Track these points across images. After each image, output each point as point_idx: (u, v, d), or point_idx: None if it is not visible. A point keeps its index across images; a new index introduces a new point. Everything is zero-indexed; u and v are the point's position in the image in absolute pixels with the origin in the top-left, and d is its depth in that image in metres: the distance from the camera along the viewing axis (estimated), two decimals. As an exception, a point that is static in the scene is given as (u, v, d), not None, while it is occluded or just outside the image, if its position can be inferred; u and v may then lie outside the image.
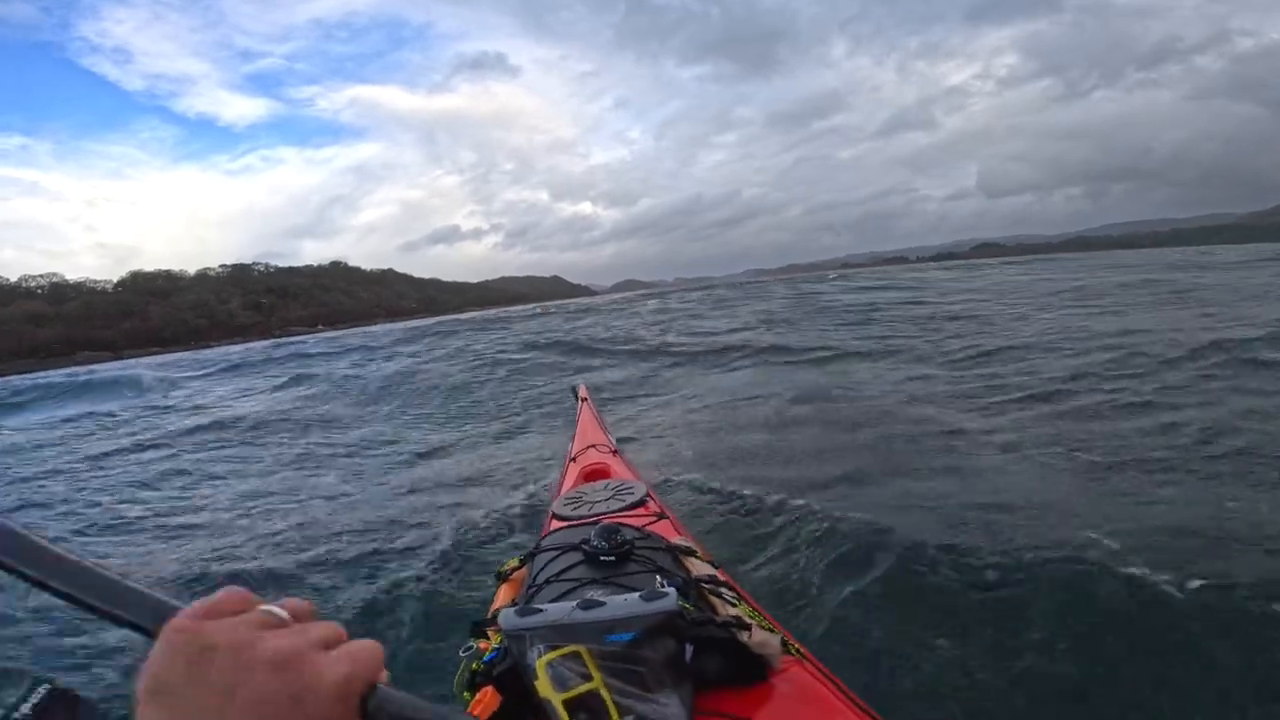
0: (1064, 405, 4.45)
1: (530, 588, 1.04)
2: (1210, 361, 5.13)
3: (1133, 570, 2.06)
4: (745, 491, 3.21)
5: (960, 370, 6.16)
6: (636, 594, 0.83)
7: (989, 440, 3.83)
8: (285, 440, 6.82)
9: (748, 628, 0.88)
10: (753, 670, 0.87)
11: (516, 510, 3.40)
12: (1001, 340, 7.46)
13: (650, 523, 1.42)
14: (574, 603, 0.81)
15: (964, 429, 4.10)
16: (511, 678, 0.80)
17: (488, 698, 0.82)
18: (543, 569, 1.08)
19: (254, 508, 4.34)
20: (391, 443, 6.16)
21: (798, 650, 0.95)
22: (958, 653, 1.85)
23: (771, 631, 0.95)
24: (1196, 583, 1.96)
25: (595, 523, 1.18)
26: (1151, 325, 7.45)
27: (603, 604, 0.80)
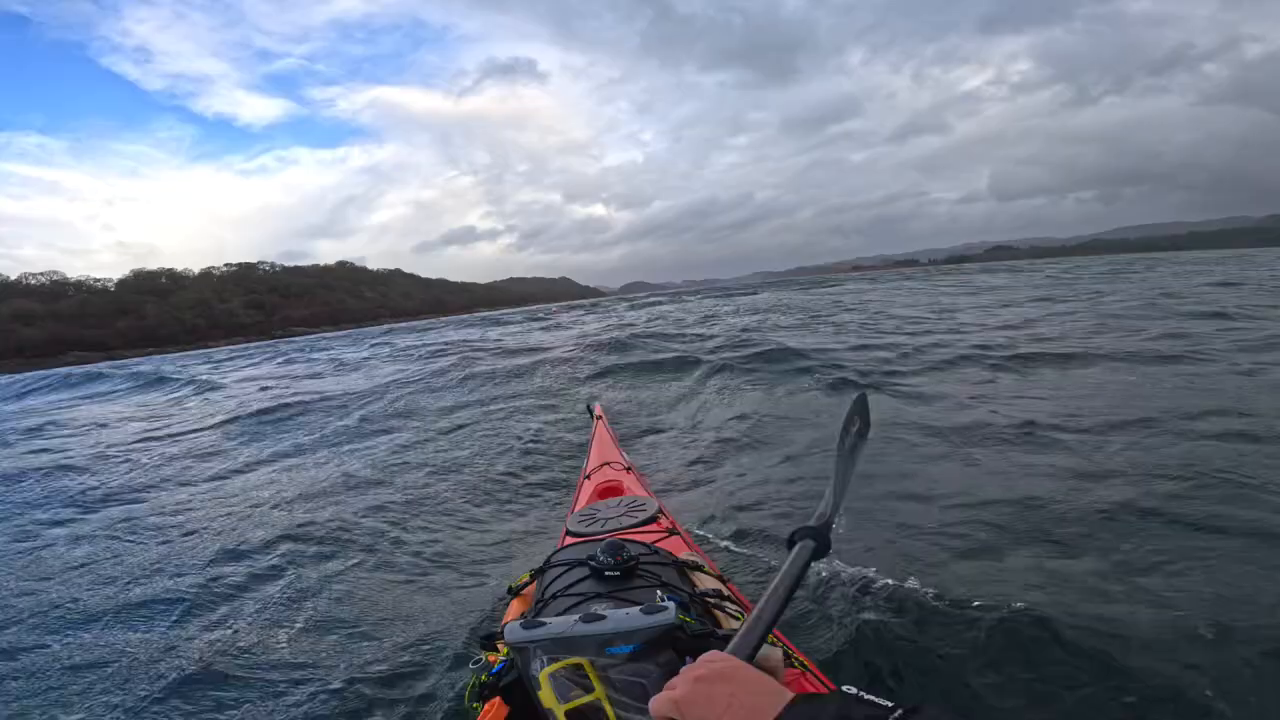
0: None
1: (539, 602, 1.07)
2: None
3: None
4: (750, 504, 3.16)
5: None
6: (637, 608, 0.83)
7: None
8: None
9: None
10: None
11: (533, 525, 3.37)
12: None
13: (661, 538, 1.47)
14: (576, 616, 0.82)
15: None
16: (517, 689, 0.82)
17: (495, 708, 0.86)
18: (551, 584, 1.12)
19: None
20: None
21: (800, 662, 0.97)
22: (966, 670, 1.68)
23: (774, 644, 0.93)
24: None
25: (609, 539, 1.20)
26: None
27: (603, 617, 0.81)
